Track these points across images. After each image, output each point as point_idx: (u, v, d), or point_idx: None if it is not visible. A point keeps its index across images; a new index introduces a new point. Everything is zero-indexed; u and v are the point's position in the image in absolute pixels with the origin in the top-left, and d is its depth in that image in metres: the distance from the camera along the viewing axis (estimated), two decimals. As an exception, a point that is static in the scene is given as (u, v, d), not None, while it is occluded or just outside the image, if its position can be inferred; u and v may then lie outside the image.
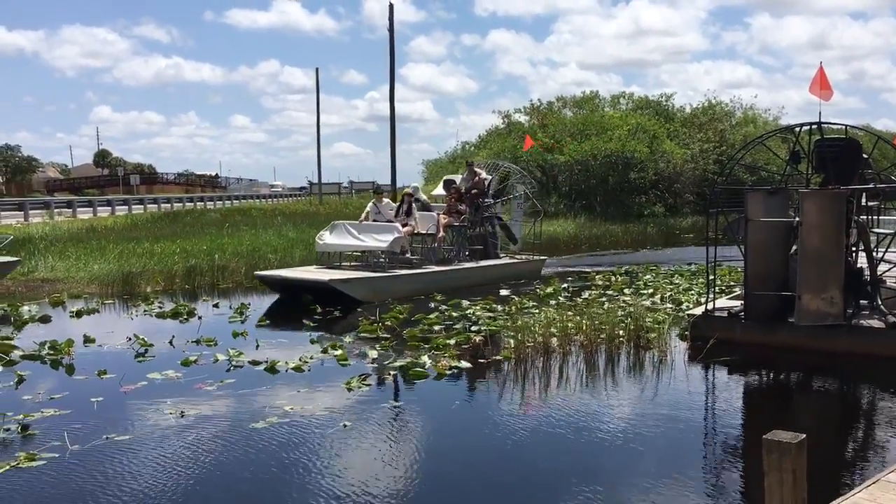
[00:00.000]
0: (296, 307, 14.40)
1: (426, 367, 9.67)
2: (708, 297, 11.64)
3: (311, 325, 12.46)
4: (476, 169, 19.08)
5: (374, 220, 17.10)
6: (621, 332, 10.81)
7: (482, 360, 10.16)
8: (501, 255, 19.37)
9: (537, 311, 12.96)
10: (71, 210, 40.31)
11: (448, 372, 9.56)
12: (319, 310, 13.77)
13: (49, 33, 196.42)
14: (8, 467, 6.42)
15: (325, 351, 10.58)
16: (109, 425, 7.50)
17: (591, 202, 37.64)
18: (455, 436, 7.60)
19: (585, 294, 15.28)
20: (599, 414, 8.05)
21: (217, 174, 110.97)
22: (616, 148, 37.33)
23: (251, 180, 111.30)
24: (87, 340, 11.31)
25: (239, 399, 8.57)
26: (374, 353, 10.45)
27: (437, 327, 12.22)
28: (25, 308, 14.21)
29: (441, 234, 17.28)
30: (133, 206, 46.35)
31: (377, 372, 9.71)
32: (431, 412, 8.29)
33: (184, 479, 6.26)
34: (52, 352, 10.55)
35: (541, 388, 9.09)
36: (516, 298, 14.62)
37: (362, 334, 11.73)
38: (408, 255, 16.77)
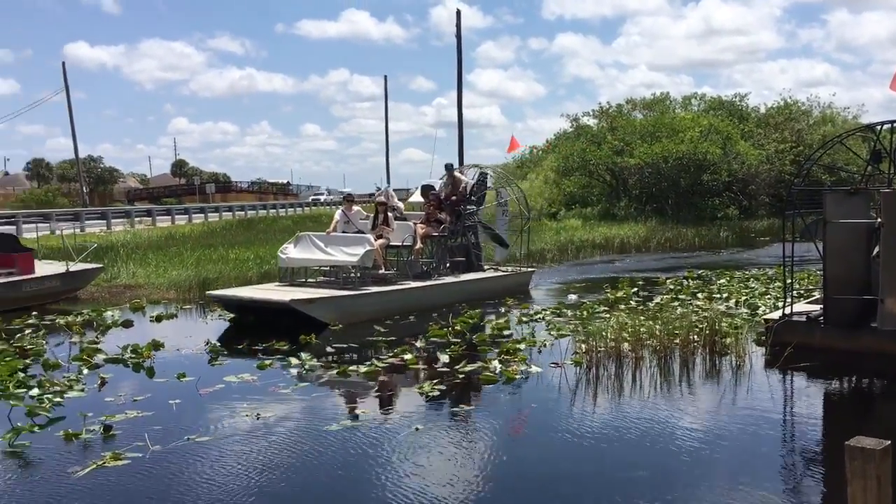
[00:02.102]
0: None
1: (496, 371, 9.67)
2: (786, 302, 11.35)
3: (382, 330, 12.58)
4: (457, 174, 17.68)
5: (343, 231, 15.53)
6: (696, 337, 10.61)
7: (553, 365, 10.11)
8: (486, 268, 17.86)
9: (608, 315, 12.83)
10: (150, 218, 41.72)
11: (518, 377, 9.54)
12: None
13: (129, 48, 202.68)
14: (94, 466, 6.66)
15: (395, 355, 10.67)
16: (189, 426, 7.71)
17: (662, 205, 37.09)
18: (526, 442, 7.59)
19: (657, 298, 15.06)
20: (675, 420, 7.91)
21: (288, 182, 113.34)
22: (688, 150, 36.70)
23: (316, 187, 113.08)
24: (160, 346, 11.55)
25: (312, 402, 8.71)
26: (444, 358, 10.49)
27: (506, 332, 12.21)
28: (108, 313, 14.69)
29: (419, 245, 15.63)
30: (209, 214, 47.72)
31: (447, 376, 9.74)
32: (502, 417, 8.27)
33: (260, 479, 6.40)
34: (133, 355, 10.90)
35: (614, 394, 8.98)
36: (587, 302, 14.49)
37: (432, 339, 11.79)
38: (382, 270, 15.05)
